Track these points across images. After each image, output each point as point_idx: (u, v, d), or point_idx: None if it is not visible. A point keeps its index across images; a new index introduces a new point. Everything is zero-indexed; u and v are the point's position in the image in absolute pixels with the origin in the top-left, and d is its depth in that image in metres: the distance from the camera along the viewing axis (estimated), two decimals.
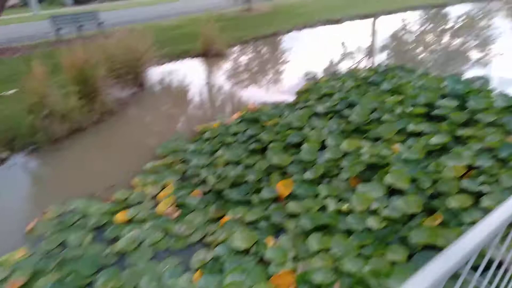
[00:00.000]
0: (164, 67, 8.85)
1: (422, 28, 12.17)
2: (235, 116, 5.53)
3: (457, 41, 10.11)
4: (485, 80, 6.21)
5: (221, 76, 8.20)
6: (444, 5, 14.84)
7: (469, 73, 7.07)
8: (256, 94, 6.80)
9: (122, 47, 7.03)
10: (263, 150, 4.29)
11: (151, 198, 3.77)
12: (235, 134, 4.85)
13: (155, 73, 8.23)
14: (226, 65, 9.00)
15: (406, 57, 8.83)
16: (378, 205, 3.07)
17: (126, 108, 6.33)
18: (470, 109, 4.47)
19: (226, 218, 3.29)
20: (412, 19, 13.35)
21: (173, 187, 3.83)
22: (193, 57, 9.54)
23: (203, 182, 3.90)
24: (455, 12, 14.15)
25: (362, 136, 4.31)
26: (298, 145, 4.24)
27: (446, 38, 10.46)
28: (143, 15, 17.43)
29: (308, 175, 3.62)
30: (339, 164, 3.73)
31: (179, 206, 3.56)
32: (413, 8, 14.64)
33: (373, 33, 11.91)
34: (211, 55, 9.45)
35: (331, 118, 4.84)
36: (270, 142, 4.40)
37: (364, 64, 8.04)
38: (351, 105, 4.96)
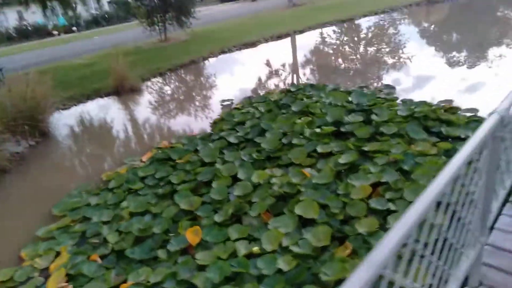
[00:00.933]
0: (72, 111, 8.19)
1: (335, 42, 12.79)
2: (146, 157, 5.14)
3: (369, 52, 10.72)
4: (391, 88, 6.51)
5: (134, 114, 7.76)
6: (352, 19, 15.83)
7: (380, 82, 7.43)
8: (171, 129, 6.48)
9: (16, 96, 6.33)
10: (173, 194, 3.95)
11: (41, 272, 3.23)
12: (143, 178, 4.46)
13: (61, 118, 7.55)
14: (140, 101, 8.57)
15: (321, 74, 9.10)
16: (288, 242, 2.88)
17: (22, 164, 5.63)
18: (375, 122, 4.56)
19: (127, 284, 2.88)
20: (325, 35, 14.01)
21: (68, 255, 3.33)
22: (105, 95, 8.97)
23: (104, 242, 3.45)
24: (365, 24, 15.14)
25: (274, 164, 4.17)
26: (209, 183, 3.97)
27: (358, 50, 11.04)
28: (54, 55, 16.35)
29: (218, 217, 3.35)
30: (250, 199, 3.51)
31: (74, 277, 3.08)
32: (325, 24, 15.40)
33: (289, 52, 12.24)
34: (124, 91, 8.95)
35: (243, 148, 4.66)
36: (180, 183, 4.09)
37: (280, 85, 8.10)
38: (263, 132, 4.84)
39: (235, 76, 9.97)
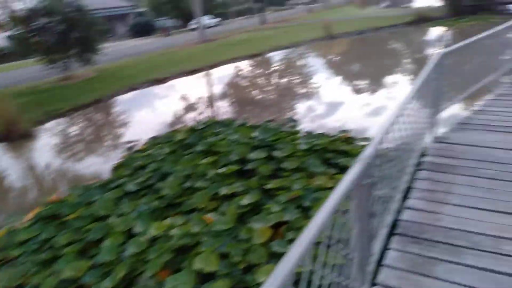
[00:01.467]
0: None
1: (246, 77, 13.12)
2: (31, 215, 4.47)
3: (277, 85, 11.15)
4: (294, 121, 6.70)
5: (23, 163, 6.89)
6: (261, 54, 16.52)
7: (286, 115, 7.66)
8: (65, 178, 5.82)
9: None
10: (57, 259, 3.42)
11: None
12: (24, 242, 3.83)
13: None
14: (32, 148, 7.69)
15: (231, 108, 9.14)
16: None
17: None
18: (277, 158, 4.57)
19: None
20: (236, 70, 14.32)
21: None
22: None
23: None
24: (274, 58, 15.87)
25: (176, 211, 3.89)
26: (101, 242, 3.53)
27: (267, 84, 11.40)
28: None
29: (107, 283, 2.94)
30: (146, 257, 3.17)
31: None
32: (236, 59, 15.80)
33: (200, 88, 12.20)
34: (14, 137, 7.97)
35: (143, 196, 4.31)
36: (67, 245, 3.58)
37: (188, 122, 7.91)
38: (165, 176, 4.55)
39: (143, 115, 9.56)
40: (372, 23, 20.70)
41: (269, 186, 3.93)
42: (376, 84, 9.94)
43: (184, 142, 5.59)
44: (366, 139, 5.26)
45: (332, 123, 7.04)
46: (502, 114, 4.42)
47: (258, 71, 14.04)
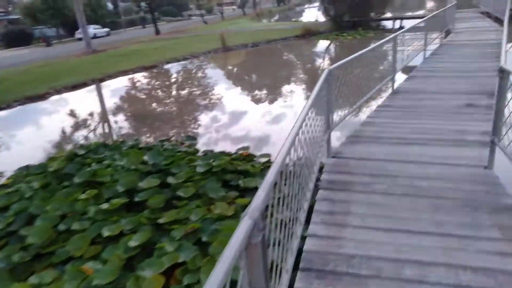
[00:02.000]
0: None
1: (139, 91, 12.23)
2: None
3: (174, 100, 10.57)
4: (193, 139, 6.29)
5: None
6: (155, 66, 15.70)
7: (184, 132, 7.19)
8: None
9: None
10: None
11: None
12: None
13: None
14: None
15: (122, 127, 8.31)
16: None
17: None
18: (172, 185, 4.12)
19: None
20: (128, 83, 13.30)
21: None
22: None
23: None
24: (169, 70, 15.19)
25: (45, 264, 3.16)
26: None
27: (162, 99, 10.74)
28: None
29: None
30: None
31: None
32: (127, 72, 14.72)
33: (86, 105, 10.97)
34: None
35: (2, 248, 3.44)
36: None
37: (69, 146, 6.90)
38: (32, 219, 3.73)
39: (13, 139, 8.12)
40: (266, 35, 21.45)
41: (162, 220, 3.45)
42: (274, 93, 10.15)
43: (60, 173, 4.74)
44: (266, 155, 5.13)
45: (237, 132, 7.04)
46: (388, 125, 4.68)
47: (155, 83, 13.28)
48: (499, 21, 13.47)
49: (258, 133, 6.78)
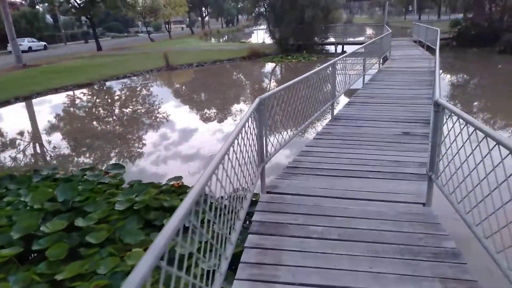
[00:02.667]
0: None
1: (72, 111, 11.25)
2: None
3: (120, 115, 9.79)
4: (120, 168, 5.68)
5: None
6: (92, 84, 14.71)
7: (134, 147, 6.59)
8: None
9: None
10: None
11: None
12: None
13: None
14: None
15: (44, 153, 7.41)
16: None
17: None
18: (83, 228, 3.51)
19: None
20: (59, 103, 12.22)
21: None
22: None
23: None
24: (108, 89, 14.29)
25: None
26: None
27: (98, 120, 9.90)
28: None
29: None
30: None
31: None
32: (59, 90, 13.59)
33: (16, 123, 9.82)
34: None
35: None
36: None
37: None
38: None
39: None
40: (212, 55, 21.22)
41: (61, 276, 2.85)
42: (219, 113, 9.82)
43: None
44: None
45: (187, 150, 6.95)
46: (327, 155, 4.46)
47: (88, 102, 12.32)
48: (430, 49, 14.39)
49: (211, 150, 6.44)
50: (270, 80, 15.76)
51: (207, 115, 10.01)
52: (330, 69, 5.76)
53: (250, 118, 2.99)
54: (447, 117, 2.78)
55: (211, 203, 1.87)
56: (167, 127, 8.66)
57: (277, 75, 17.28)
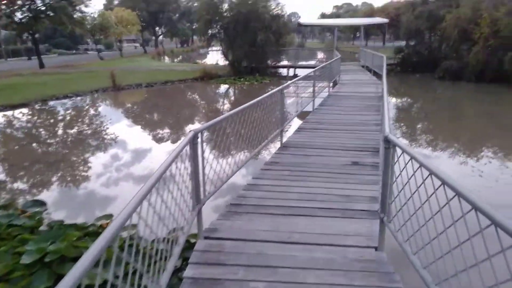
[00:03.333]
0: None
1: (19, 128, 10.12)
2: None
3: (64, 137, 8.86)
4: (41, 204, 4.95)
5: None
6: (26, 104, 13.52)
7: (78, 169, 5.88)
8: None
9: None
10: None
11: None
12: None
13: None
14: None
15: None
16: None
17: None
18: None
19: None
20: (4, 120, 11.02)
21: None
22: None
23: None
24: (47, 111, 13.18)
25: None
26: None
27: (50, 136, 8.91)
28: None
29: None
30: None
31: None
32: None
33: None
34: None
35: None
36: None
37: None
38: None
39: None
40: (163, 76, 20.61)
41: None
42: (164, 136, 9.22)
43: None
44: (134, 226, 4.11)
45: (140, 171, 6.77)
46: (274, 188, 4.12)
47: (37, 122, 11.25)
48: (377, 75, 14.90)
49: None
50: (223, 102, 15.45)
51: (148, 140, 9.43)
52: (279, 95, 5.51)
53: (181, 154, 2.58)
54: (398, 154, 2.54)
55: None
56: (104, 154, 7.99)
57: (230, 97, 17.03)
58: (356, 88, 12.28)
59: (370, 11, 50.79)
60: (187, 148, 2.74)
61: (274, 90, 5.18)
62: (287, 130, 6.57)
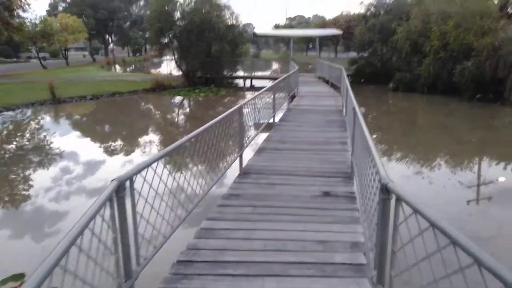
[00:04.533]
0: None
1: None
2: None
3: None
4: None
5: None
6: None
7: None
8: None
9: None
10: None
11: None
12: None
13: None
14: None
15: None
16: None
17: None
18: None
19: None
20: None
21: None
22: None
23: None
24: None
25: None
26: None
27: None
28: None
29: None
30: None
31: None
32: None
33: None
34: None
35: None
36: None
37: None
38: None
39: None
40: (111, 87, 19.16)
41: None
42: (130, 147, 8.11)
43: None
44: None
45: (95, 184, 6.59)
46: (233, 235, 3.33)
47: None
48: (335, 86, 14.66)
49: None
50: (177, 118, 14.44)
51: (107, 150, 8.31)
52: (237, 114, 4.75)
53: (101, 211, 1.76)
54: (404, 209, 1.85)
55: None
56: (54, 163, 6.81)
57: (185, 111, 16.04)
58: (316, 101, 11.86)
59: (322, 23, 51.90)
60: (108, 202, 1.89)
61: (230, 110, 4.40)
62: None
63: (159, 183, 2.57)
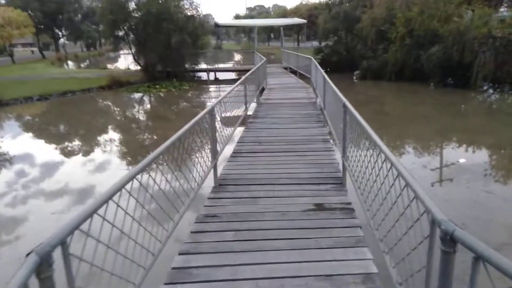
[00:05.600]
0: None
1: None
2: None
3: None
4: None
5: None
6: None
7: None
8: None
9: None
10: None
11: None
12: None
13: None
14: None
15: None
16: None
17: None
18: None
19: None
20: None
21: None
22: None
23: None
24: None
25: None
26: None
27: None
28: None
29: None
30: None
31: None
32: None
33: None
34: None
35: None
36: None
37: None
38: None
39: None
40: (62, 85, 17.56)
41: None
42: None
43: None
44: None
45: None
46: (208, 276, 2.62)
47: None
48: (303, 76, 14.14)
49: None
50: (136, 122, 13.34)
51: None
52: (208, 118, 4.00)
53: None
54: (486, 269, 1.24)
55: None
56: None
57: (145, 107, 14.92)
58: (287, 93, 11.26)
59: (284, 13, 51.48)
60: None
61: (198, 116, 3.62)
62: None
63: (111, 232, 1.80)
